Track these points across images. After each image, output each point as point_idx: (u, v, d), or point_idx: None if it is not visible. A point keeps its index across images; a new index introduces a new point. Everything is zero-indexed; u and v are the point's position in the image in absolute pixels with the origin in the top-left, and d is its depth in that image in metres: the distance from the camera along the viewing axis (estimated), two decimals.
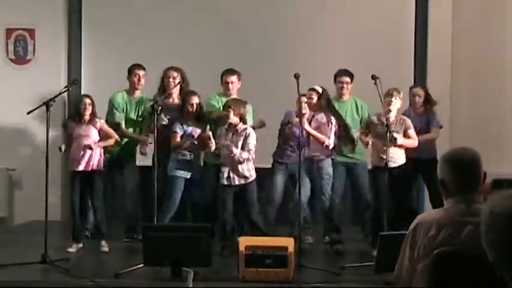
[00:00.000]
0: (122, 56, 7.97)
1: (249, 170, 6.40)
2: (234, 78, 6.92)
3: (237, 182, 6.36)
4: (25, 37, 8.31)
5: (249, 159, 6.35)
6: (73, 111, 6.68)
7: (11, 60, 8.34)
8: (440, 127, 7.11)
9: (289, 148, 6.62)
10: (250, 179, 6.41)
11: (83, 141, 6.44)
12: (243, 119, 6.40)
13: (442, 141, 7.01)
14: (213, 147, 6.34)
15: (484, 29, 8.11)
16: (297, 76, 6.01)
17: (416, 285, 2.69)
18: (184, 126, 6.62)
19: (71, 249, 6.41)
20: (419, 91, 7.06)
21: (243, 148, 6.33)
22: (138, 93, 7.08)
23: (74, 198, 6.58)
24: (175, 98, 6.94)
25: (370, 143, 6.48)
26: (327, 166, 6.52)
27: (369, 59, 7.71)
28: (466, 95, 8.08)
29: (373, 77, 6.24)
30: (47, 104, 6.04)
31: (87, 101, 6.54)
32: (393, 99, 6.38)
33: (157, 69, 7.05)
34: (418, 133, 6.60)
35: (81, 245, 6.53)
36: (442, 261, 2.55)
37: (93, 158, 6.47)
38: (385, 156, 6.09)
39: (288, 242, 5.41)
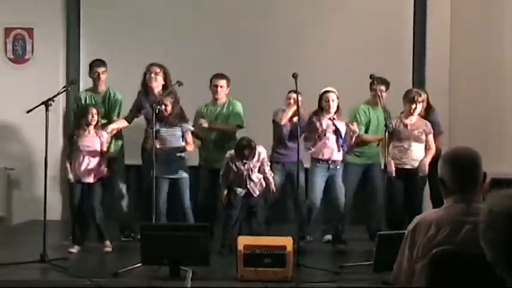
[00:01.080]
0: (120, 55, 7.96)
1: (262, 186, 6.43)
2: (223, 82, 6.88)
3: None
4: (24, 36, 8.30)
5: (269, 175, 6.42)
6: (78, 119, 6.59)
7: (10, 59, 8.33)
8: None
9: (284, 147, 6.73)
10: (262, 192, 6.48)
11: (88, 152, 6.38)
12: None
13: (442, 142, 7.00)
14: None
15: (483, 29, 8.10)
16: (295, 76, 5.99)
17: (415, 285, 2.68)
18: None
19: (72, 250, 6.37)
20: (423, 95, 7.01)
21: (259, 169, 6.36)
22: (103, 88, 6.98)
23: (74, 204, 6.48)
24: (156, 94, 6.78)
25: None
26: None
27: (368, 58, 7.71)
28: (466, 95, 8.07)
29: (372, 77, 6.24)
30: (45, 103, 6.03)
31: (94, 110, 6.46)
32: (418, 105, 6.46)
33: None
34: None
35: (80, 247, 6.48)
36: (440, 260, 2.54)
37: (98, 167, 6.40)
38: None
39: (287, 241, 5.39)
